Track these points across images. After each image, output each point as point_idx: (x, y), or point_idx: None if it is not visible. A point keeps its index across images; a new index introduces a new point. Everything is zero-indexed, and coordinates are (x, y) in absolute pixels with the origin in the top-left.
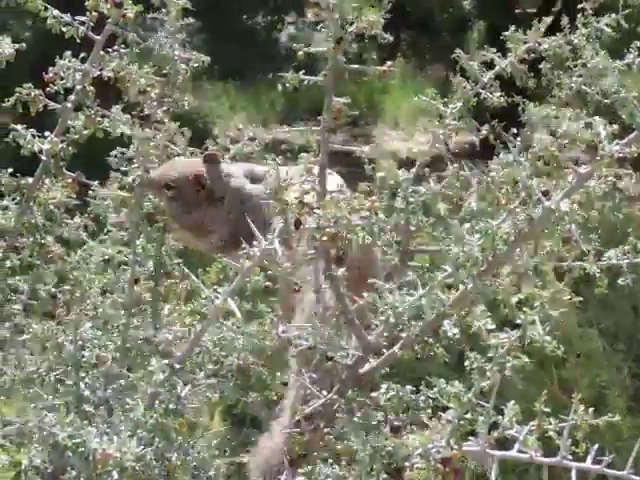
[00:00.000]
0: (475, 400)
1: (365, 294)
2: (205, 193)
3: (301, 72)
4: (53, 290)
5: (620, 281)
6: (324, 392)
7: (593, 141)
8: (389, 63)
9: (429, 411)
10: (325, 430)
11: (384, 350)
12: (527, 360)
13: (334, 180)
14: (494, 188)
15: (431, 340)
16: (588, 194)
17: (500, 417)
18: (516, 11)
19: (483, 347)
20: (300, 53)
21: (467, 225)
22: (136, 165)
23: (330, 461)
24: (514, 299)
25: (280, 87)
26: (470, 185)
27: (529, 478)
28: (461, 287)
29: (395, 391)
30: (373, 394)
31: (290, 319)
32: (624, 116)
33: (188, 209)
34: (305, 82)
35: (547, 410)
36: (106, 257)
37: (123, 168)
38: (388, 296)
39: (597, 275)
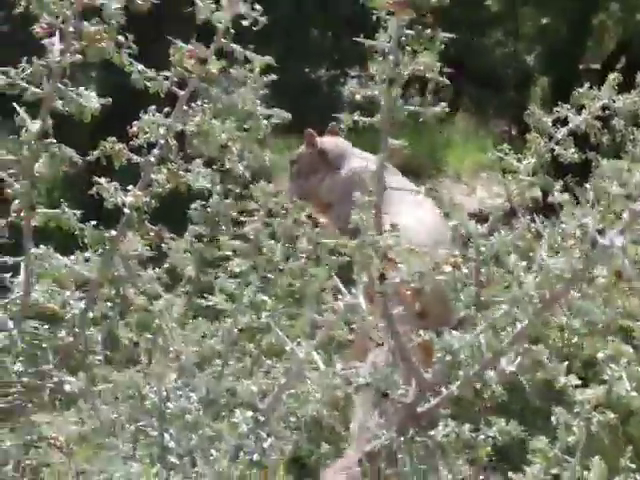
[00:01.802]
0: (561, 455)
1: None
2: (318, 152)
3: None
4: (135, 338)
5: None
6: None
7: None
8: (443, 104)
9: (488, 449)
10: (387, 471)
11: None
12: (612, 415)
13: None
14: (564, 239)
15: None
16: None
17: (585, 472)
18: (580, 67)
19: (568, 402)
20: (357, 97)
21: (523, 263)
22: (255, 218)
23: None
24: (600, 355)
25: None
26: (541, 237)
27: None
28: (518, 325)
29: (452, 428)
30: (431, 432)
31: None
32: None
33: (305, 173)
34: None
35: (632, 466)
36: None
37: (242, 218)
38: (445, 335)
39: None
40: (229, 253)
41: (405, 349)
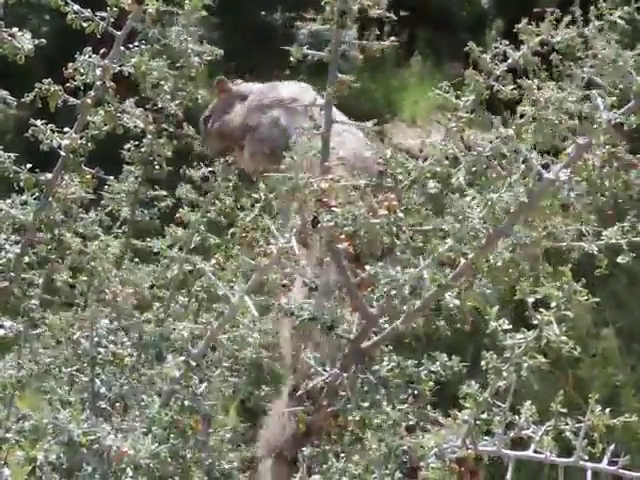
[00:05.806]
0: (491, 400)
1: (367, 267)
2: (233, 95)
3: (305, 47)
4: (70, 280)
5: (619, 259)
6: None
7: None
8: (392, 38)
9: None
10: (328, 407)
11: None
12: (544, 360)
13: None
14: (482, 161)
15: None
16: (587, 166)
17: (516, 417)
18: (534, 9)
19: (498, 346)
20: (302, 31)
21: (468, 199)
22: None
23: (342, 456)
24: (531, 299)
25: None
26: (458, 162)
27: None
28: (462, 260)
29: (396, 363)
30: (375, 367)
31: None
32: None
33: (223, 110)
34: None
35: (563, 410)
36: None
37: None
38: (389, 269)
39: (597, 254)
40: (164, 193)
41: (351, 284)
